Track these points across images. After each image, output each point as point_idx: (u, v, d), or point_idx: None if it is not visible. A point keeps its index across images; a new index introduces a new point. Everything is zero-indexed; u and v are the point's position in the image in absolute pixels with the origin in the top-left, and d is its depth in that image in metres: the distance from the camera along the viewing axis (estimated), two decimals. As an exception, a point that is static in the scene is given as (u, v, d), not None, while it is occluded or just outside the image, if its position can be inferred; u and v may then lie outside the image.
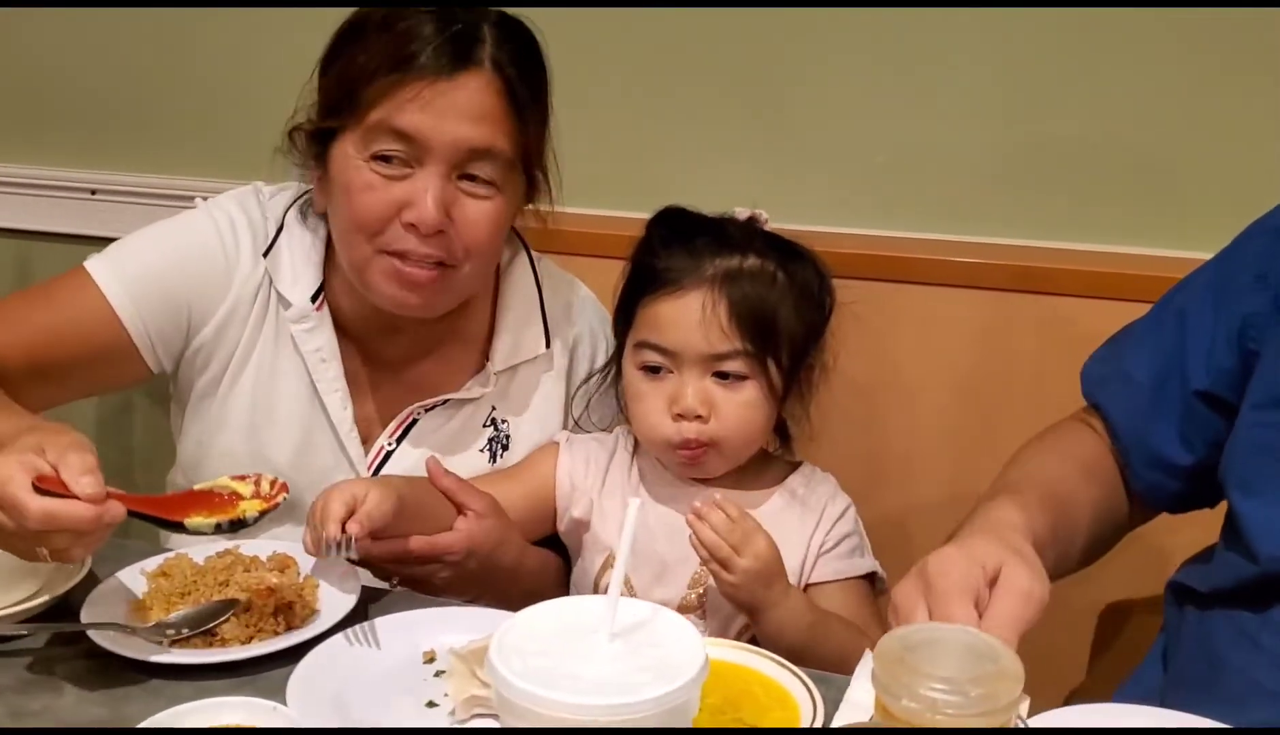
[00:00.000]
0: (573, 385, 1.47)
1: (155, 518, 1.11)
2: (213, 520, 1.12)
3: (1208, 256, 1.26)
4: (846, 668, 1.07)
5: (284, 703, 1.00)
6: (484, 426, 1.43)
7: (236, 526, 1.13)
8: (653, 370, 1.30)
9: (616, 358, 1.38)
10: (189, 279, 1.36)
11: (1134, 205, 1.69)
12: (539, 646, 0.79)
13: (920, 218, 1.78)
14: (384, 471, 1.39)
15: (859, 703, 1.00)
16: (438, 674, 1.09)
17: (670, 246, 1.31)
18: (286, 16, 1.98)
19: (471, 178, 1.27)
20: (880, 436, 1.79)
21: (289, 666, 1.07)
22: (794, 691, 1.03)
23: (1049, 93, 1.69)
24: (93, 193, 2.21)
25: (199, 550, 1.26)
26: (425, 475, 1.31)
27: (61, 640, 1.13)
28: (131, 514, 1.06)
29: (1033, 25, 1.67)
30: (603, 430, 1.45)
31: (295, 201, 1.41)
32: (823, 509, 1.35)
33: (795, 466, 1.40)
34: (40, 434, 1.06)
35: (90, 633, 1.11)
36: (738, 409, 1.28)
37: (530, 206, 1.38)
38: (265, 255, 1.37)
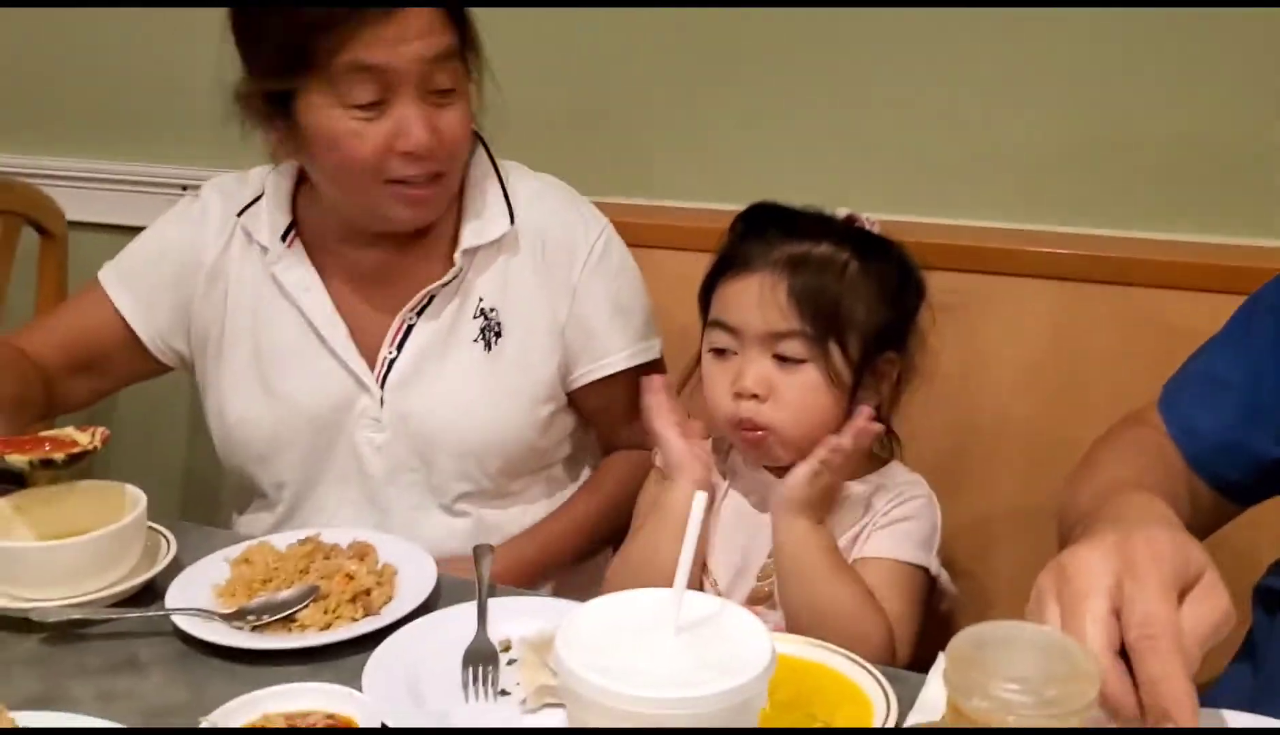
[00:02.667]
0: (556, 271, 1.49)
1: None
2: (25, 458, 1.21)
3: (1295, 246, 1.21)
4: (841, 633, 1.08)
5: (360, 688, 1.02)
6: (474, 317, 1.47)
7: (48, 465, 1.22)
8: (725, 350, 1.31)
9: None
10: (169, 261, 1.50)
11: (1217, 193, 1.62)
12: (604, 638, 0.79)
13: (992, 206, 1.74)
14: (390, 380, 1.45)
15: (932, 703, 0.99)
16: (510, 663, 1.10)
17: (747, 235, 1.33)
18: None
19: (437, 90, 1.33)
20: (954, 433, 1.76)
21: (366, 652, 1.09)
22: (867, 689, 1.02)
23: (1129, 77, 1.64)
24: (184, 188, 2.26)
25: (282, 538, 1.29)
26: (431, 384, 1.45)
27: (147, 624, 1.17)
28: None
29: (1113, 6, 1.62)
30: None
31: (274, 169, 1.52)
32: (889, 494, 1.33)
33: (884, 464, 1.39)
34: None
35: (174, 617, 1.15)
36: (796, 392, 1.27)
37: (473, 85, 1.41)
38: (240, 215, 1.49)
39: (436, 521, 1.49)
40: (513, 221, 1.47)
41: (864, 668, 1.03)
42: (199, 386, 1.55)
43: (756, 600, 1.32)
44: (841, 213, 1.34)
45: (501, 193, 1.49)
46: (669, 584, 0.81)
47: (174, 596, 1.19)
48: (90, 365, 1.52)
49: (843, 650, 1.06)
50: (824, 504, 1.28)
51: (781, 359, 1.28)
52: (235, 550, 1.26)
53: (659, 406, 1.35)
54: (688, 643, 0.79)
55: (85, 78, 2.34)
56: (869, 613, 1.23)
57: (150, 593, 1.22)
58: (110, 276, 1.52)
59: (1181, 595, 0.82)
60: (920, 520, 1.33)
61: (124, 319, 1.50)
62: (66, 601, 1.16)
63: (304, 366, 1.46)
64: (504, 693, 1.07)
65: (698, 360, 1.38)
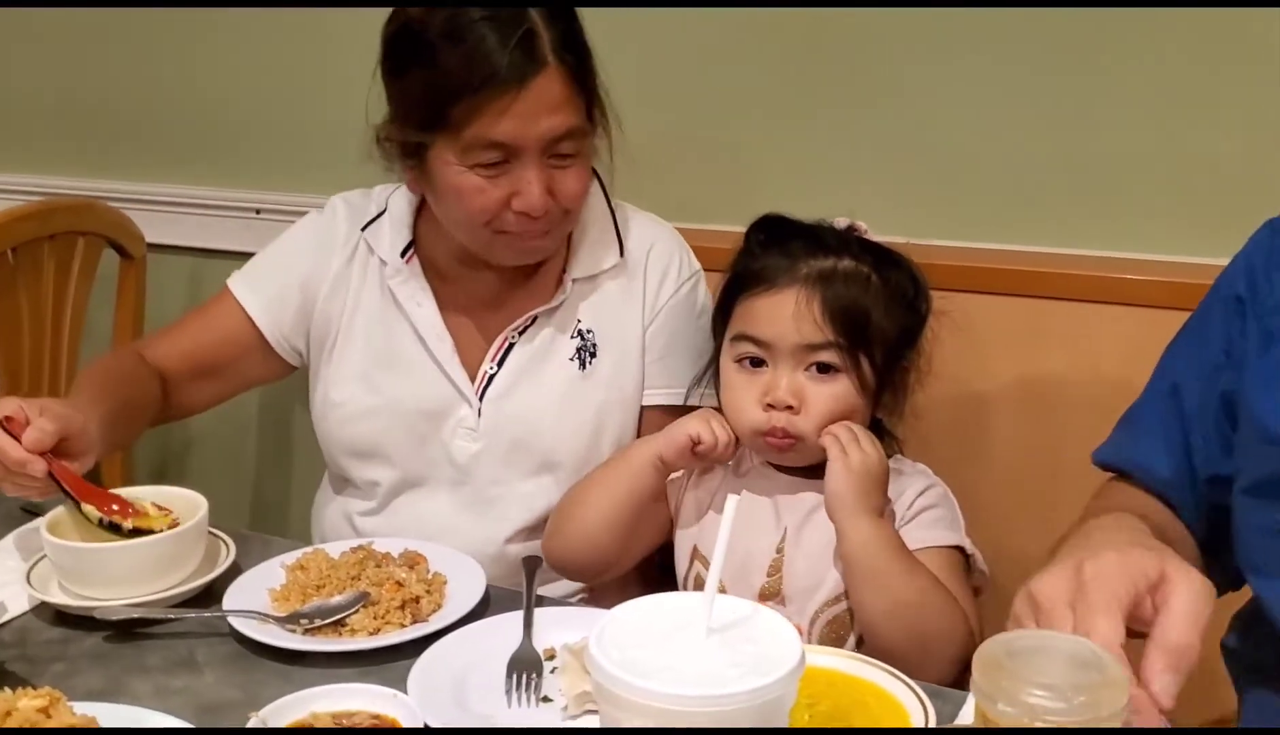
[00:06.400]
0: (648, 291, 1.57)
1: (65, 491, 1.25)
2: (98, 514, 1.25)
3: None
4: (929, 628, 1.06)
5: (405, 692, 1.04)
6: (571, 337, 1.54)
7: (114, 529, 1.25)
8: (752, 363, 1.33)
9: (715, 357, 1.41)
10: (298, 266, 1.58)
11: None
12: (637, 639, 0.80)
13: (1074, 233, 1.74)
14: (488, 393, 1.52)
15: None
16: (553, 670, 1.11)
17: (768, 249, 1.36)
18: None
19: (559, 154, 1.39)
20: (1028, 456, 1.74)
21: (413, 658, 1.11)
22: (907, 704, 1.02)
23: (1213, 103, 1.62)
24: (257, 212, 2.33)
25: (335, 546, 1.32)
26: (525, 397, 1.52)
27: (205, 625, 1.20)
28: (51, 476, 1.23)
29: (1189, 28, 1.61)
30: None
31: (397, 188, 1.59)
32: (904, 490, 1.35)
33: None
34: (56, 400, 1.30)
35: (230, 619, 1.18)
36: (828, 402, 1.30)
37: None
38: (364, 229, 1.57)
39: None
40: (622, 254, 1.56)
41: (904, 683, 1.03)
42: (310, 382, 1.63)
43: (766, 596, 1.33)
44: (841, 222, 1.37)
45: (613, 227, 1.57)
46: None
47: (231, 599, 1.22)
48: (214, 369, 1.60)
49: (883, 665, 1.06)
50: (879, 490, 1.28)
51: (815, 368, 1.30)
52: (291, 557, 1.30)
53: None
54: (719, 644, 0.80)
55: (164, 107, 2.42)
56: (948, 602, 1.24)
57: (209, 595, 1.25)
58: (239, 284, 1.59)
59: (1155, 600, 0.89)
60: (943, 506, 1.36)
61: (252, 321, 1.57)
62: (129, 601, 1.20)
63: (409, 373, 1.54)
64: (546, 699, 1.08)
65: (705, 371, 1.44)
